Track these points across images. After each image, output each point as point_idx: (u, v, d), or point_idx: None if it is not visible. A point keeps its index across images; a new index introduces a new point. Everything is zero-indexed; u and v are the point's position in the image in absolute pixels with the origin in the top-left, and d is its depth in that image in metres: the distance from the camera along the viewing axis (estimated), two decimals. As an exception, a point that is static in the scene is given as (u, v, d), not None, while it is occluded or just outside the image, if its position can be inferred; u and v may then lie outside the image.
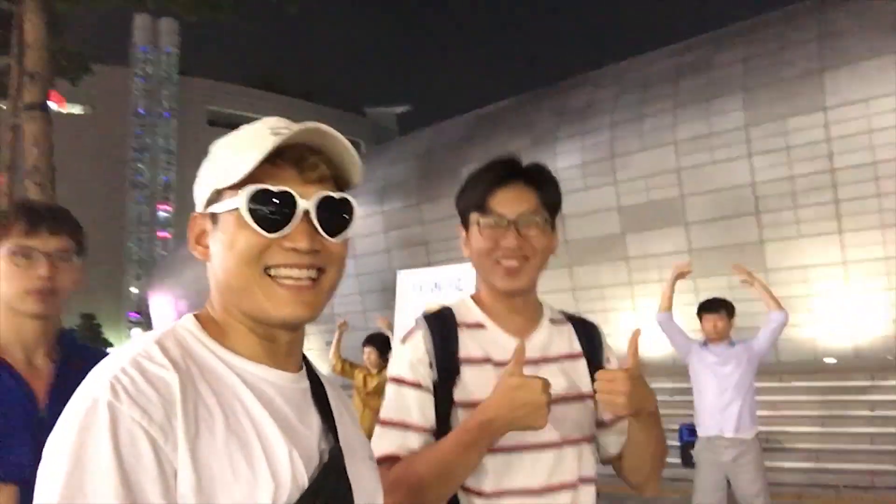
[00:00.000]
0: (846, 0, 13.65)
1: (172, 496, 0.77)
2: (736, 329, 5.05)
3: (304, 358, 1.02)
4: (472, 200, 1.53)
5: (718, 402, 4.75)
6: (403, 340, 1.54)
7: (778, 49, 13.88)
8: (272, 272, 0.88)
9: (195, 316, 0.94)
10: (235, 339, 0.92)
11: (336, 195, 0.91)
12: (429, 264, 17.46)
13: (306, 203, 0.88)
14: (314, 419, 0.95)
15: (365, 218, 19.53)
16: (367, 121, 76.47)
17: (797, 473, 7.91)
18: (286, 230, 0.87)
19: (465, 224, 1.58)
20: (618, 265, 15.53)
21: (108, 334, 49.99)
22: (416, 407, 1.45)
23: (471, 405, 1.42)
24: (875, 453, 7.89)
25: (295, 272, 0.88)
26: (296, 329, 0.94)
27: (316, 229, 0.89)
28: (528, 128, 17.06)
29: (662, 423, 1.53)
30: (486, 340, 1.52)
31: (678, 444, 8.55)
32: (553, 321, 1.61)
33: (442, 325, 1.53)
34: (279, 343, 0.93)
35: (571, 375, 1.54)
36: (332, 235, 0.90)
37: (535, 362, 1.50)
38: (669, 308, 4.82)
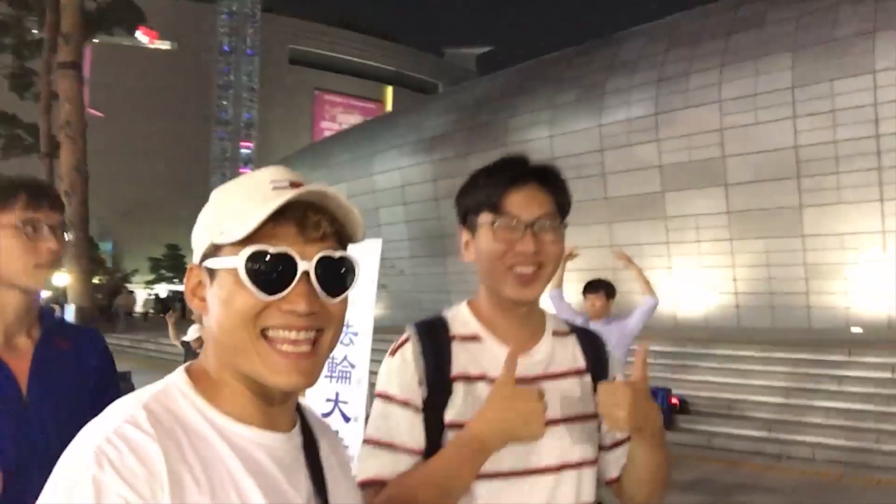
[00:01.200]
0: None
1: None
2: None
3: (300, 409, 1.01)
4: (484, 199, 1.41)
5: None
6: (392, 353, 1.44)
7: (831, 8, 13.38)
8: (269, 334, 0.86)
9: (187, 371, 0.93)
10: (228, 397, 0.90)
11: (336, 254, 0.89)
12: (474, 214, 17.89)
13: (306, 264, 0.86)
14: (303, 480, 0.94)
15: (415, 166, 20.00)
16: (446, 62, 75.97)
17: (744, 441, 8.15)
18: (285, 292, 0.85)
19: (468, 225, 1.46)
20: (656, 223, 15.55)
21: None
22: (404, 427, 1.37)
23: (459, 426, 1.35)
24: (827, 427, 8.02)
25: (293, 334, 0.87)
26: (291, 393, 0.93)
27: (315, 290, 0.87)
28: (576, 81, 17.01)
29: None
30: (482, 355, 1.42)
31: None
32: (556, 333, 1.50)
33: (434, 338, 1.43)
34: (273, 403, 0.92)
35: (575, 393, 1.46)
36: (332, 296, 0.89)
37: (537, 379, 1.41)
38: (559, 286, 5.26)
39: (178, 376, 0.91)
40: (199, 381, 0.91)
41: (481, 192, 1.42)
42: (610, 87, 16.13)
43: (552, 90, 17.35)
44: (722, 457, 7.87)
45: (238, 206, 0.87)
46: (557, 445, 1.39)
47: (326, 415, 3.93)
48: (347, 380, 3.94)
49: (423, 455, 1.36)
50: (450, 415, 1.37)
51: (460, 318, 1.47)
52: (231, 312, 0.86)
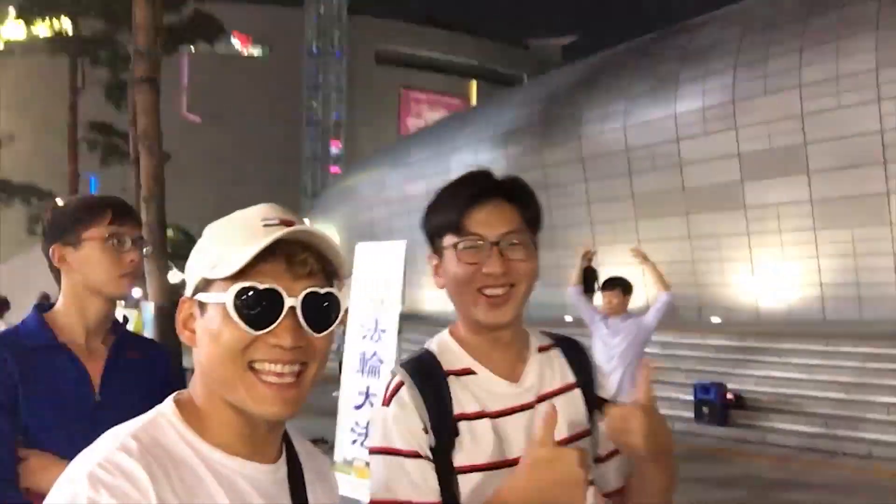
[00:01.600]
0: None
1: None
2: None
3: (287, 438, 1.03)
4: (445, 221, 1.34)
5: (605, 370, 5.30)
6: (386, 402, 1.33)
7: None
8: (256, 366, 0.89)
9: (176, 402, 0.95)
10: (214, 427, 0.93)
11: (321, 290, 0.92)
12: (549, 208, 17.85)
13: (293, 300, 0.89)
14: None
15: (491, 161, 20.13)
16: (530, 53, 75.53)
17: (799, 437, 7.91)
18: (271, 327, 0.88)
19: (436, 249, 1.38)
20: (735, 214, 15.15)
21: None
22: (418, 481, 1.26)
23: (472, 470, 1.28)
24: (886, 424, 7.67)
25: (278, 367, 0.89)
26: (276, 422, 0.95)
27: (301, 325, 0.90)
28: (650, 71, 16.74)
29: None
30: (477, 389, 1.34)
31: (692, 399, 8.78)
32: (541, 349, 1.43)
33: (428, 377, 1.33)
34: (258, 433, 0.94)
35: (569, 411, 1.38)
36: (317, 331, 0.91)
37: (532, 405, 1.35)
38: (579, 283, 5.36)
39: (167, 406, 0.94)
40: (187, 411, 0.94)
41: (443, 213, 1.34)
42: (685, 76, 15.80)
43: (626, 81, 17.13)
44: (773, 452, 7.70)
45: (229, 242, 0.91)
46: None
47: (359, 406, 4.18)
48: (377, 374, 4.17)
49: None
50: (459, 459, 1.28)
51: (448, 351, 1.38)
52: (219, 345, 0.89)
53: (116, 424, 1.63)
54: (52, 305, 1.79)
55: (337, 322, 0.94)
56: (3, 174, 22.82)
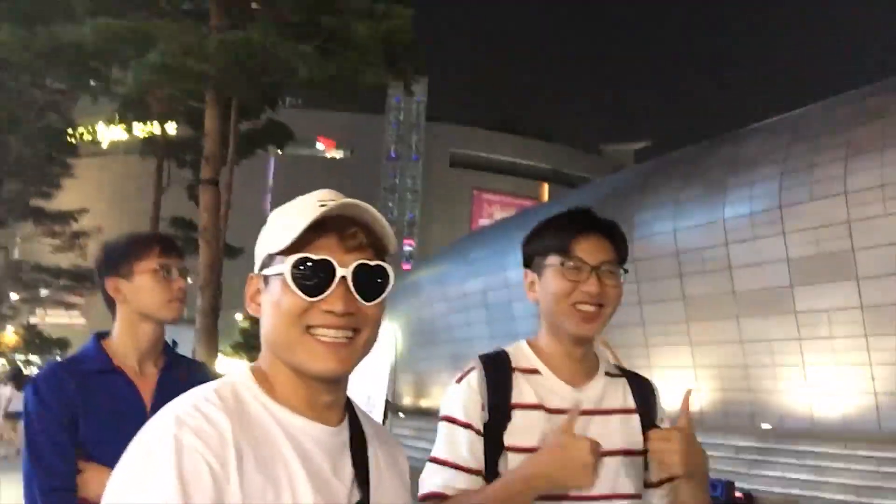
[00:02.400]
0: None
1: None
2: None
3: (352, 409, 1.10)
4: (554, 244, 1.56)
5: None
6: (458, 380, 1.57)
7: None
8: (312, 331, 0.98)
9: (250, 369, 1.05)
10: (281, 391, 1.02)
11: (372, 262, 1.00)
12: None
13: (344, 270, 0.97)
14: (348, 472, 1.03)
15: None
16: (602, 158, 76.77)
17: None
18: (324, 295, 0.97)
19: (533, 267, 1.61)
20: (786, 319, 15.06)
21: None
22: (466, 448, 1.48)
23: (520, 450, 1.47)
24: None
25: (331, 332, 0.98)
26: (333, 382, 1.03)
27: (352, 294, 0.98)
28: (700, 177, 17.15)
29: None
30: (540, 387, 1.55)
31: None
32: (609, 374, 1.63)
33: (497, 368, 1.55)
34: (319, 395, 1.02)
35: (625, 430, 1.56)
36: (367, 300, 1.00)
37: (590, 413, 1.52)
38: None
39: (242, 371, 1.05)
40: (258, 376, 1.03)
41: (551, 238, 1.58)
42: (732, 182, 16.14)
43: (678, 185, 17.57)
44: None
45: (288, 220, 1.00)
46: (610, 476, 1.49)
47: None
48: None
49: (484, 476, 1.47)
50: (508, 439, 1.48)
51: (520, 353, 1.60)
52: (280, 313, 0.99)
53: None
54: (108, 333, 2.00)
55: (387, 292, 1.01)
56: (89, 264, 24.74)
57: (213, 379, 2.02)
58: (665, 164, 19.60)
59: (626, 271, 1.60)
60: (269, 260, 1.02)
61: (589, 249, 1.54)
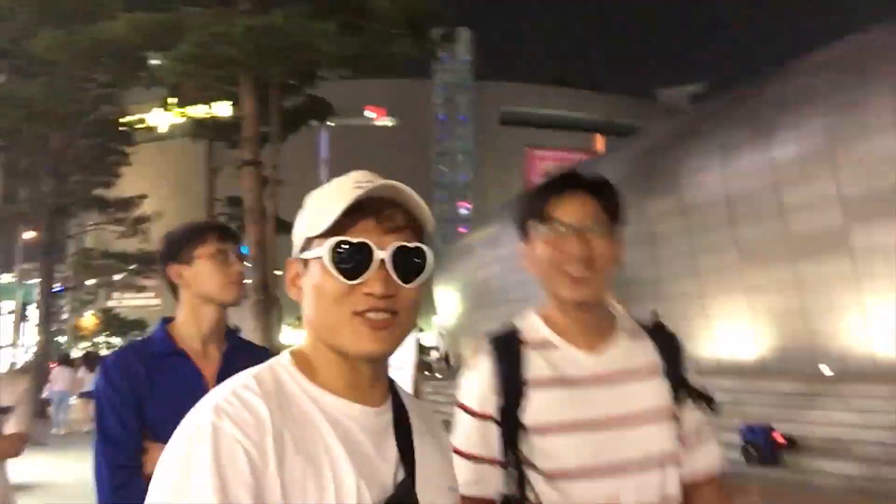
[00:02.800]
0: None
1: (261, 501, 0.89)
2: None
3: (394, 389, 1.11)
4: (532, 211, 1.53)
5: None
6: (470, 367, 1.56)
7: None
8: (355, 314, 0.99)
9: (291, 353, 1.06)
10: (322, 373, 1.03)
11: (410, 245, 1.01)
12: (654, 258, 17.99)
13: (382, 253, 0.98)
14: (392, 453, 1.03)
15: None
16: (658, 104, 75.01)
17: (847, 479, 7.69)
18: (364, 277, 0.98)
19: (525, 239, 1.57)
20: (843, 259, 14.70)
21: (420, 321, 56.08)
22: (479, 438, 1.48)
23: (541, 429, 1.44)
24: None
25: (372, 314, 0.99)
26: (375, 362, 1.03)
27: (391, 276, 0.99)
28: (749, 119, 16.73)
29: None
30: (556, 359, 1.51)
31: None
32: (629, 333, 1.57)
33: (507, 347, 1.52)
34: (362, 377, 1.03)
35: (653, 389, 1.51)
36: (406, 282, 1.00)
37: (612, 379, 1.49)
38: None
39: (283, 356, 1.05)
40: (299, 360, 1.04)
41: (532, 204, 1.54)
42: (782, 122, 15.71)
43: (726, 129, 17.19)
44: (819, 494, 7.64)
45: (325, 204, 1.00)
46: (643, 439, 1.46)
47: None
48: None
49: (503, 464, 1.46)
50: (526, 418, 1.45)
51: (531, 325, 1.57)
52: (321, 296, 1.00)
53: None
54: (173, 319, 2.09)
55: (426, 275, 1.02)
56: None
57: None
58: (713, 106, 19.14)
59: (614, 227, 1.51)
60: (308, 244, 1.03)
61: (569, 211, 1.49)
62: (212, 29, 9.20)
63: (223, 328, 2.07)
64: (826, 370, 14.41)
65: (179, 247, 2.05)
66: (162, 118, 23.83)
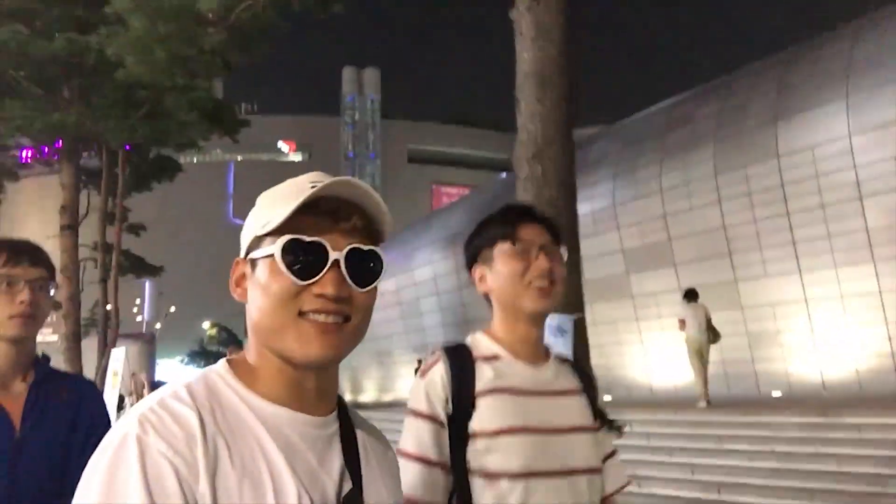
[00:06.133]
0: (800, 53, 14.44)
1: None
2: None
3: (341, 402, 1.06)
4: (500, 232, 1.66)
5: None
6: (423, 374, 1.62)
7: (744, 103, 14.92)
8: (303, 316, 0.94)
9: (228, 361, 1.00)
10: (265, 381, 0.97)
11: (365, 247, 0.97)
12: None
13: (337, 254, 0.94)
14: (335, 464, 0.98)
15: (442, 260, 22.60)
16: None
17: None
18: (316, 278, 0.93)
19: (481, 260, 1.70)
20: (624, 302, 17.13)
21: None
22: (431, 441, 1.53)
23: (485, 434, 1.52)
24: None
25: (321, 317, 0.93)
26: (321, 369, 0.98)
27: (345, 279, 0.94)
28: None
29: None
30: (501, 370, 1.61)
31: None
32: (557, 359, 1.73)
33: (460, 359, 1.61)
34: (307, 386, 0.98)
35: (580, 408, 1.66)
36: (360, 286, 0.96)
37: (549, 394, 1.63)
38: None
39: (219, 364, 1.00)
40: (238, 367, 0.99)
41: (496, 229, 1.68)
42: (580, 183, 18.14)
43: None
44: None
45: (278, 201, 0.96)
46: (572, 452, 1.57)
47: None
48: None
49: (448, 467, 1.52)
50: (473, 426, 1.53)
51: (480, 342, 1.68)
52: (269, 296, 0.94)
53: (38, 460, 1.70)
54: None
55: (379, 279, 0.99)
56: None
57: (99, 392, 2.01)
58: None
59: (567, 251, 1.70)
60: (257, 242, 0.98)
61: (533, 233, 1.66)
62: (29, 115, 10.93)
63: (27, 360, 1.83)
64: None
65: None
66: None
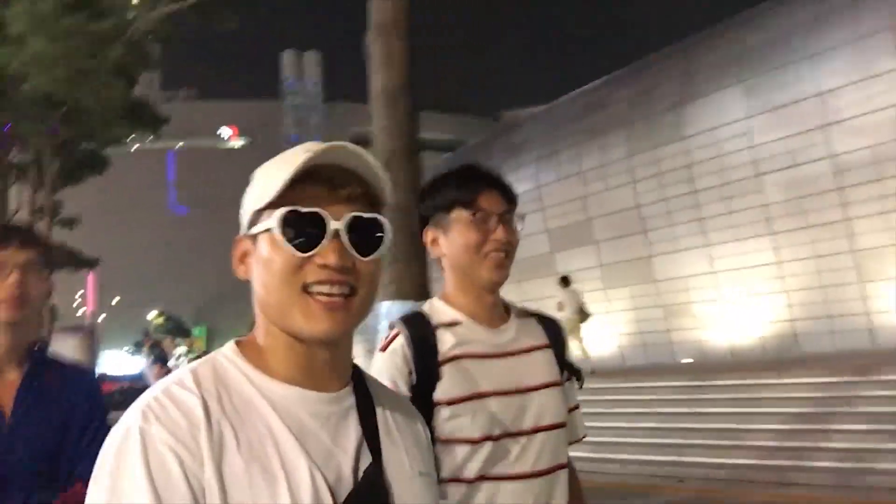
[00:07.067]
0: (700, 40, 15.30)
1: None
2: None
3: (358, 373, 1.03)
4: (459, 197, 1.61)
5: None
6: (384, 348, 1.59)
7: (652, 88, 15.73)
8: (309, 290, 0.91)
9: (237, 343, 0.98)
10: (274, 361, 0.95)
11: (366, 215, 0.93)
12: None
13: (336, 223, 0.90)
14: (352, 440, 0.95)
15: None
16: (502, 124, 79.24)
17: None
18: (317, 249, 0.90)
19: (435, 223, 1.65)
20: (551, 280, 17.93)
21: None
22: None
23: (451, 402, 1.51)
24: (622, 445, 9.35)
25: (327, 288, 0.90)
26: (331, 345, 0.95)
27: (346, 248, 0.91)
28: (488, 162, 19.80)
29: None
30: (462, 335, 1.59)
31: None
32: (520, 315, 1.71)
33: (420, 328, 1.58)
34: (317, 361, 0.95)
35: (544, 364, 1.65)
36: (363, 255, 0.92)
37: (513, 354, 1.61)
38: None
39: (227, 346, 0.98)
40: (247, 349, 0.97)
41: (454, 192, 1.63)
42: (507, 167, 18.85)
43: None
44: None
45: (274, 172, 0.92)
46: (539, 409, 1.58)
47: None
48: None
49: None
50: (438, 395, 1.52)
51: (437, 309, 1.66)
52: (272, 272, 0.92)
53: (30, 447, 1.70)
54: None
55: (384, 248, 0.94)
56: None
57: (95, 385, 1.97)
58: (464, 151, 22.21)
59: (521, 218, 1.68)
60: (256, 217, 0.95)
61: (492, 201, 1.61)
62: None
63: (21, 347, 1.80)
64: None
65: None
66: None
